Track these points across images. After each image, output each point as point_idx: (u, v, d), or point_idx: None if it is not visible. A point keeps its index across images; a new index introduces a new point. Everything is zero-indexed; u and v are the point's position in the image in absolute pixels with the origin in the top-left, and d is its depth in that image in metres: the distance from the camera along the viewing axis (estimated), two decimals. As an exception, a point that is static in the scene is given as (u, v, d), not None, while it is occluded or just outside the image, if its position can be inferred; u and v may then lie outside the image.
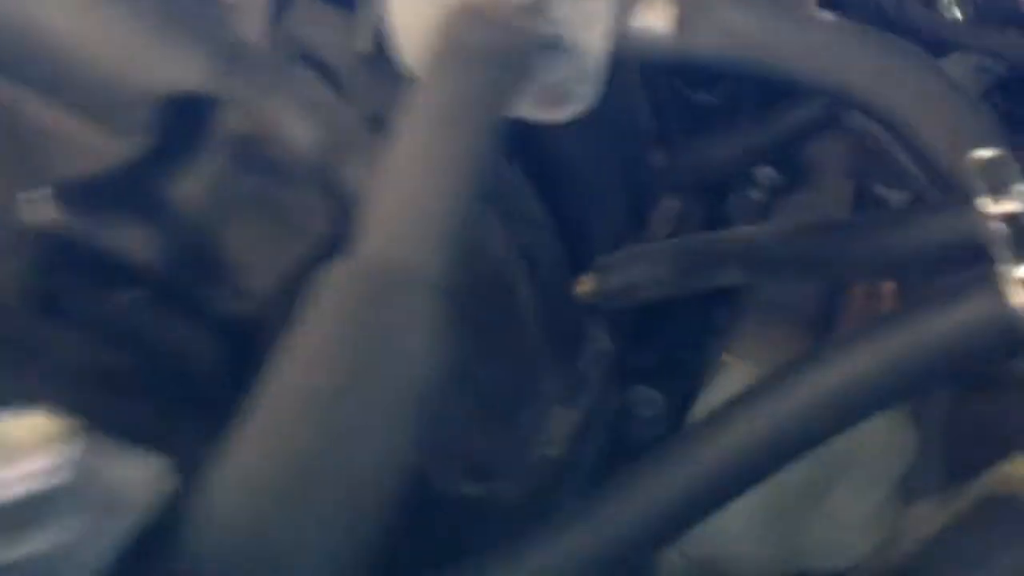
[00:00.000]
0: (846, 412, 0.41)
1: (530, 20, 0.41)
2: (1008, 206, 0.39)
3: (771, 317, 0.75)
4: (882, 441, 0.54)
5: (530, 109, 0.48)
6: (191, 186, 0.43)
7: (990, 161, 0.43)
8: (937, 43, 0.72)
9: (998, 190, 0.43)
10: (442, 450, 0.57)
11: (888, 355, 0.39)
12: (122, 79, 0.44)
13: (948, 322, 0.39)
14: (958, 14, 0.73)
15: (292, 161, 0.45)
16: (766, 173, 0.92)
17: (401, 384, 0.31)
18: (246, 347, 0.42)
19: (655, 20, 0.46)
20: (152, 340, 0.41)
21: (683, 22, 0.46)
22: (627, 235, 0.80)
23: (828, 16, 0.47)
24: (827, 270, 0.55)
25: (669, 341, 0.84)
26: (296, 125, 0.47)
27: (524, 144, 0.67)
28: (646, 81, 0.84)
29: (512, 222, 0.60)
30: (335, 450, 0.30)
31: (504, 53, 0.38)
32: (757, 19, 0.46)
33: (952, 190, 0.46)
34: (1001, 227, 0.38)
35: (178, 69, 0.45)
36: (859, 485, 0.54)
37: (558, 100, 0.47)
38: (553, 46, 0.46)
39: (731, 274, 0.61)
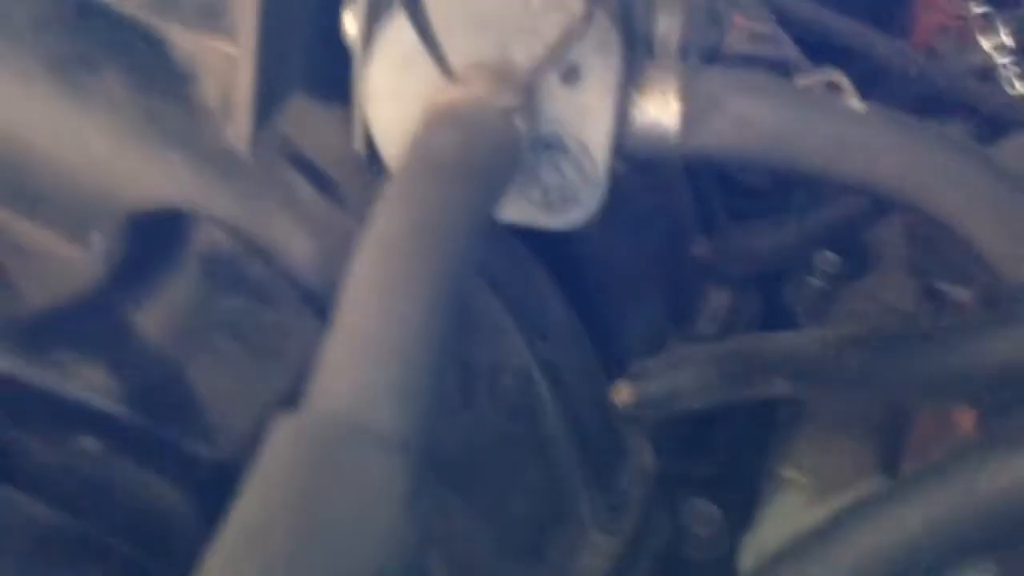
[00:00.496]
0: (919, 558, 0.35)
1: (516, 120, 0.37)
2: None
3: (833, 427, 0.68)
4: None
5: (532, 214, 0.44)
6: (160, 310, 0.40)
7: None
8: (996, 121, 0.67)
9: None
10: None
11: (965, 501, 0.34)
12: (96, 189, 0.42)
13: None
14: (1020, 88, 0.67)
15: (276, 279, 0.42)
16: (827, 259, 0.86)
17: (353, 561, 0.27)
18: (220, 498, 0.37)
19: (662, 115, 0.42)
20: (114, 494, 0.38)
21: (692, 116, 0.41)
22: (670, 335, 0.75)
23: (857, 104, 0.42)
24: (882, 390, 0.49)
25: (727, 449, 0.78)
26: (288, 236, 0.44)
27: (549, 243, 0.63)
28: (687, 165, 0.80)
29: (534, 331, 0.56)
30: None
31: (481, 158, 0.34)
32: (774, 110, 0.41)
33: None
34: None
35: (155, 180, 0.42)
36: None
37: (561, 204, 0.43)
38: (551, 146, 0.42)
39: (777, 386, 0.55)
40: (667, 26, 0.43)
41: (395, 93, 0.40)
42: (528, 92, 0.39)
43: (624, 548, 0.58)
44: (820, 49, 0.69)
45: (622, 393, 0.64)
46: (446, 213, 0.31)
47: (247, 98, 0.44)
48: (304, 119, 0.47)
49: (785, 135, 0.41)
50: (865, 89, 0.80)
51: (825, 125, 0.41)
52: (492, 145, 0.35)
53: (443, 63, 0.39)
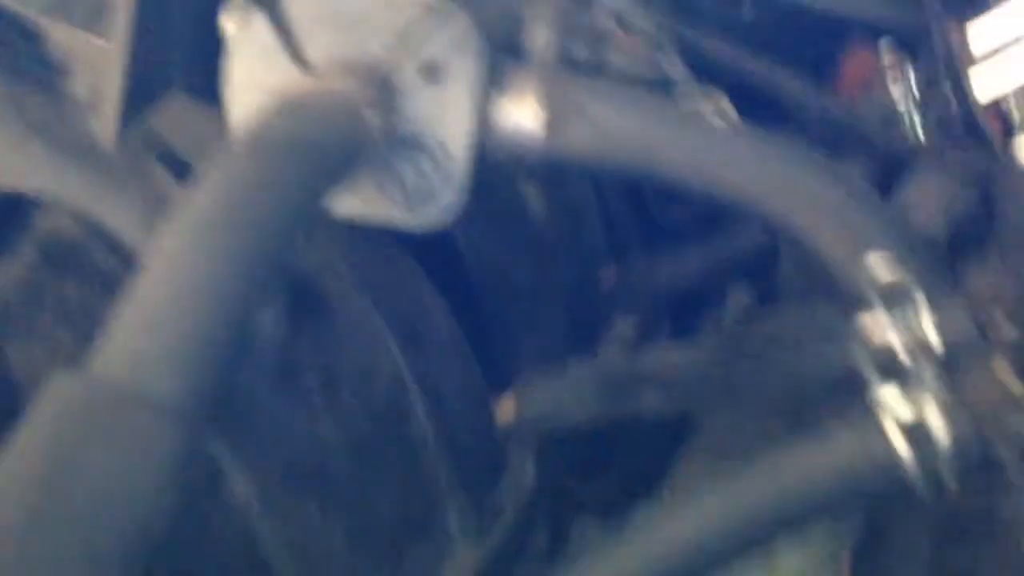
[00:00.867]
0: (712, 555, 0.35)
1: (365, 112, 0.37)
2: (876, 324, 0.34)
3: (722, 445, 0.68)
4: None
5: (392, 212, 0.44)
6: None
7: (880, 265, 0.38)
8: (894, 163, 0.68)
9: (893, 300, 0.38)
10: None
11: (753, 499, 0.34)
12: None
13: (820, 462, 0.33)
14: (921, 137, 0.69)
15: (121, 268, 0.42)
16: (738, 297, 0.87)
17: (105, 520, 0.26)
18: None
19: (524, 118, 0.42)
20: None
21: (554, 121, 0.42)
22: (570, 357, 0.75)
23: (716, 120, 0.42)
24: (738, 400, 0.50)
25: (618, 471, 0.78)
26: (142, 227, 0.44)
27: (446, 259, 0.63)
28: (604, 197, 0.80)
29: (410, 340, 0.56)
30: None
31: (315, 146, 0.34)
32: (635, 120, 0.42)
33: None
34: (868, 350, 0.33)
35: (11, 164, 0.42)
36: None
37: (421, 203, 0.43)
38: (411, 144, 0.42)
39: (649, 399, 0.55)
40: (537, 33, 0.44)
41: (253, 84, 0.40)
42: (383, 87, 0.39)
43: (490, 561, 0.57)
44: (730, 89, 0.70)
45: (505, 408, 0.64)
46: (259, 192, 0.32)
47: (116, 92, 0.44)
48: (178, 115, 0.47)
49: (644, 144, 0.41)
50: (769, 126, 0.82)
51: (683, 137, 0.42)
52: (332, 134, 0.35)
53: (298, 57, 0.39)
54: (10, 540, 0.25)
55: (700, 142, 0.42)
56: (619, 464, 0.77)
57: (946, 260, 0.73)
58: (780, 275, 0.83)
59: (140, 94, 0.45)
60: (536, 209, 0.74)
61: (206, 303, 0.29)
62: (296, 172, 0.33)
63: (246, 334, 0.31)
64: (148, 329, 0.28)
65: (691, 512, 0.36)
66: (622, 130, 0.42)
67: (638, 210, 0.84)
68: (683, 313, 0.87)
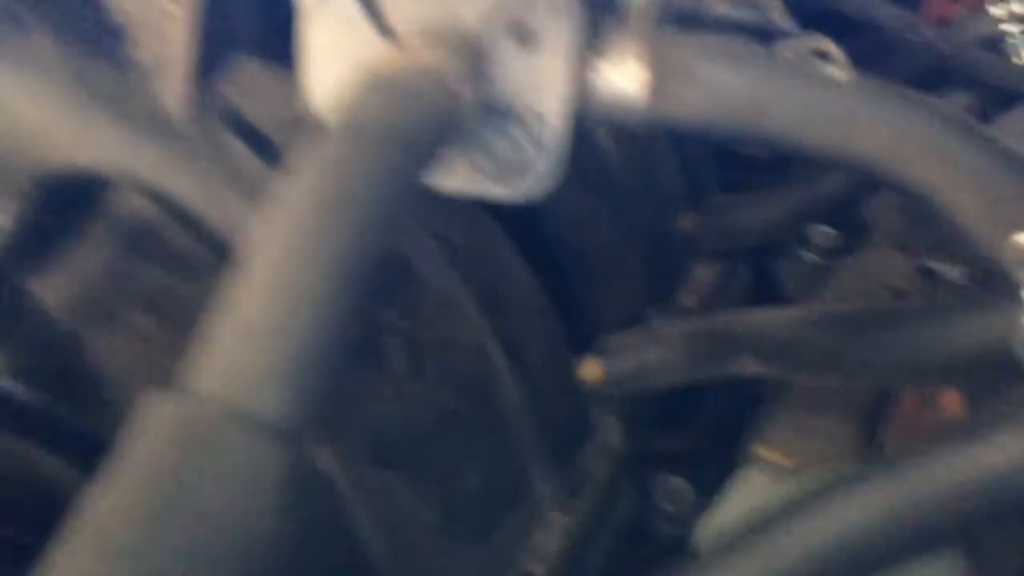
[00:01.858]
0: (877, 548, 0.32)
1: (457, 86, 0.34)
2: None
3: (812, 406, 0.66)
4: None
5: (482, 184, 0.41)
6: (69, 281, 0.37)
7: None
8: (1002, 92, 0.63)
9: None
10: (403, 565, 0.50)
11: (922, 493, 0.31)
12: (15, 150, 0.39)
13: (991, 457, 0.30)
14: (1026, 58, 0.64)
15: (201, 249, 0.39)
16: (821, 233, 0.83)
17: (214, 546, 0.24)
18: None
19: (627, 83, 0.38)
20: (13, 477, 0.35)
21: (660, 85, 0.38)
22: (650, 310, 0.72)
23: (835, 73, 0.38)
24: (852, 371, 0.47)
25: (703, 426, 0.76)
26: (222, 203, 0.41)
27: (522, 215, 0.60)
28: (681, 139, 0.76)
29: (493, 306, 0.53)
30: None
31: (410, 127, 0.31)
32: (746, 79, 0.38)
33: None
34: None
35: (79, 143, 0.39)
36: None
37: (513, 174, 0.40)
38: (504, 114, 0.39)
39: (748, 365, 0.52)
40: (635, -11, 0.40)
41: (334, 55, 0.37)
42: (474, 57, 0.36)
43: (581, 526, 0.55)
44: (823, 19, 0.66)
45: (589, 369, 0.62)
46: (361, 185, 0.29)
47: (184, 58, 0.41)
48: (250, 82, 0.44)
49: (757, 105, 0.38)
50: (869, 61, 0.77)
51: (799, 95, 0.38)
52: (425, 113, 0.32)
53: (382, 25, 0.36)
54: (119, 571, 0.23)
55: (821, 100, 0.38)
56: (701, 419, 0.75)
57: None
58: (869, 218, 0.79)
59: (208, 59, 0.42)
60: (612, 158, 0.71)
61: (310, 309, 0.27)
62: (394, 159, 0.30)
63: (349, 341, 0.29)
64: (248, 341, 0.26)
65: (842, 508, 0.33)
66: (733, 90, 0.38)
67: (717, 152, 0.81)
68: (760, 254, 0.83)
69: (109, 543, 0.24)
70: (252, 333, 0.26)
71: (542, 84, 0.38)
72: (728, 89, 0.38)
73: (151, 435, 0.26)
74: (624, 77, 0.38)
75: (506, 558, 0.53)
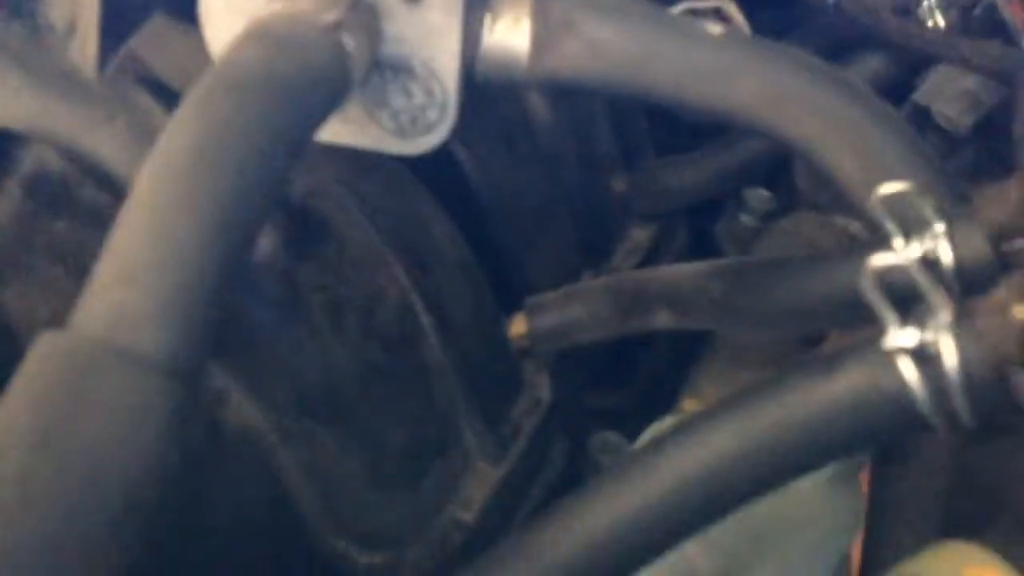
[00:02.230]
0: (704, 504, 0.34)
1: (342, 37, 0.35)
2: (886, 260, 0.32)
3: (735, 358, 0.68)
4: (818, 515, 0.47)
5: (383, 139, 0.43)
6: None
7: (900, 197, 0.36)
8: (915, 55, 0.65)
9: (910, 229, 0.36)
10: (332, 511, 0.52)
11: (751, 436, 0.33)
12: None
13: (825, 397, 0.32)
14: (940, 22, 0.65)
15: (111, 202, 0.41)
16: (758, 196, 0.85)
17: (98, 481, 0.26)
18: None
19: (512, 38, 0.40)
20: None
21: (543, 40, 0.40)
22: (584, 271, 0.74)
23: (716, 29, 0.40)
24: (744, 319, 0.49)
25: (638, 383, 0.78)
26: (132, 159, 0.43)
27: (447, 178, 0.62)
28: (613, 101, 0.78)
29: (415, 261, 0.55)
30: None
31: (291, 76, 0.33)
32: (628, 34, 0.40)
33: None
34: (876, 283, 0.32)
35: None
36: (789, 567, 0.47)
37: (412, 128, 0.42)
38: (398, 69, 0.40)
39: (661, 318, 0.54)
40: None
41: (231, 11, 0.39)
42: (367, 12, 0.38)
43: (510, 477, 0.57)
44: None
45: (516, 327, 0.64)
46: (238, 133, 0.30)
47: (94, 17, 0.42)
48: (163, 41, 0.45)
49: (636, 60, 0.39)
50: (791, 30, 0.78)
51: (679, 50, 0.39)
52: (308, 63, 0.34)
53: (274, -21, 0.37)
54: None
55: (701, 57, 0.40)
56: (635, 377, 0.77)
57: (970, 160, 0.71)
58: (796, 179, 0.81)
59: (120, 18, 0.43)
60: (542, 120, 0.72)
61: (188, 253, 0.28)
62: (274, 107, 0.31)
63: (235, 279, 0.30)
64: (128, 281, 0.28)
65: (699, 452, 0.35)
66: (614, 45, 0.40)
67: (651, 113, 0.82)
68: (699, 217, 0.85)
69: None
70: (130, 274, 0.28)
71: (433, 40, 0.39)
72: (609, 44, 0.39)
73: (37, 372, 0.27)
74: (510, 32, 0.40)
75: (435, 506, 0.55)
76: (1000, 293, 0.30)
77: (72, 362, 0.27)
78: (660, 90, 0.40)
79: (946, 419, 0.31)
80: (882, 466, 0.58)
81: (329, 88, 0.34)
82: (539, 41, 0.40)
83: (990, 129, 0.74)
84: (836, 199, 0.62)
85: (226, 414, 0.47)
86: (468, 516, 0.56)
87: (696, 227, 0.84)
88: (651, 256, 0.78)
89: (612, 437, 0.73)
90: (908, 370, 0.31)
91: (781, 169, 0.83)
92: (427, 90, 0.40)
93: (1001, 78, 0.61)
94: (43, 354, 0.27)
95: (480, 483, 0.57)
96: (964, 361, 0.30)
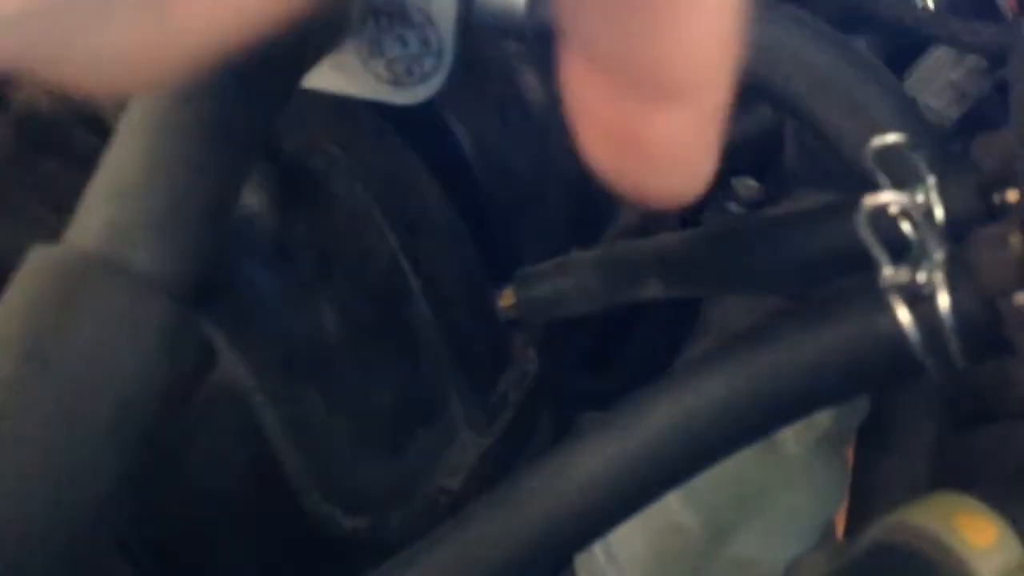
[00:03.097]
0: (703, 448, 0.34)
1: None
2: (879, 199, 0.32)
3: (720, 336, 0.68)
4: (804, 479, 0.47)
5: (377, 88, 0.43)
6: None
7: (891, 149, 0.36)
8: (908, 36, 0.66)
9: (903, 182, 0.36)
10: (318, 475, 0.52)
11: (750, 380, 0.33)
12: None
13: (819, 341, 0.32)
14: (931, 4, 0.66)
15: (102, 145, 0.40)
16: (745, 185, 0.86)
17: (88, 393, 0.26)
18: None
19: (508, -12, 0.40)
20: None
21: (538, -10, 0.40)
22: (573, 247, 0.74)
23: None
24: (732, 282, 0.49)
25: (628, 366, 0.78)
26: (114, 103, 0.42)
27: (438, 142, 0.62)
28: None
29: (404, 224, 0.55)
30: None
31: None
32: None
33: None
34: (869, 223, 0.32)
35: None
36: (773, 529, 0.47)
37: (407, 78, 0.42)
38: (394, 17, 0.40)
39: (651, 287, 0.54)
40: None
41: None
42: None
43: (496, 446, 0.57)
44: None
45: (506, 298, 0.64)
46: (222, 78, 0.30)
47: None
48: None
49: None
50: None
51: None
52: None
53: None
54: None
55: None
56: (624, 356, 0.77)
57: (958, 138, 0.71)
58: (785, 162, 0.82)
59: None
60: (534, 97, 0.72)
61: (182, 168, 0.28)
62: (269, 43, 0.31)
63: (228, 210, 0.30)
64: (121, 198, 0.27)
65: (688, 398, 0.35)
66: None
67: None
68: (693, 210, 0.86)
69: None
70: (124, 192, 0.28)
71: (432, -13, 0.39)
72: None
73: (28, 284, 0.27)
74: (507, -18, 0.40)
75: (420, 472, 0.55)
76: (994, 228, 0.30)
77: (63, 273, 0.27)
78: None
79: (939, 360, 0.31)
80: (864, 449, 0.58)
81: (325, 33, 0.34)
82: (533, -7, 0.40)
83: (976, 120, 0.74)
84: (827, 175, 0.62)
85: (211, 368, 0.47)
86: (454, 483, 0.55)
87: (684, 217, 0.85)
88: (641, 235, 0.78)
89: (599, 417, 0.73)
90: (901, 311, 0.31)
91: (769, 160, 0.83)
92: (423, 39, 0.40)
93: (990, 56, 0.61)
94: (35, 267, 0.27)
95: (466, 451, 0.57)
96: (956, 299, 0.30)
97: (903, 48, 0.73)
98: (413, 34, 0.40)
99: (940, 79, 0.72)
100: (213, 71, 0.27)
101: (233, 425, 0.49)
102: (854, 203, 0.38)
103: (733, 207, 0.87)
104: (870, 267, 0.36)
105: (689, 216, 0.85)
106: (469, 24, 0.41)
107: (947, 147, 0.80)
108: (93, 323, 0.26)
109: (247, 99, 0.30)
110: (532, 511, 0.39)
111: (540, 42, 0.41)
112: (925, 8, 0.65)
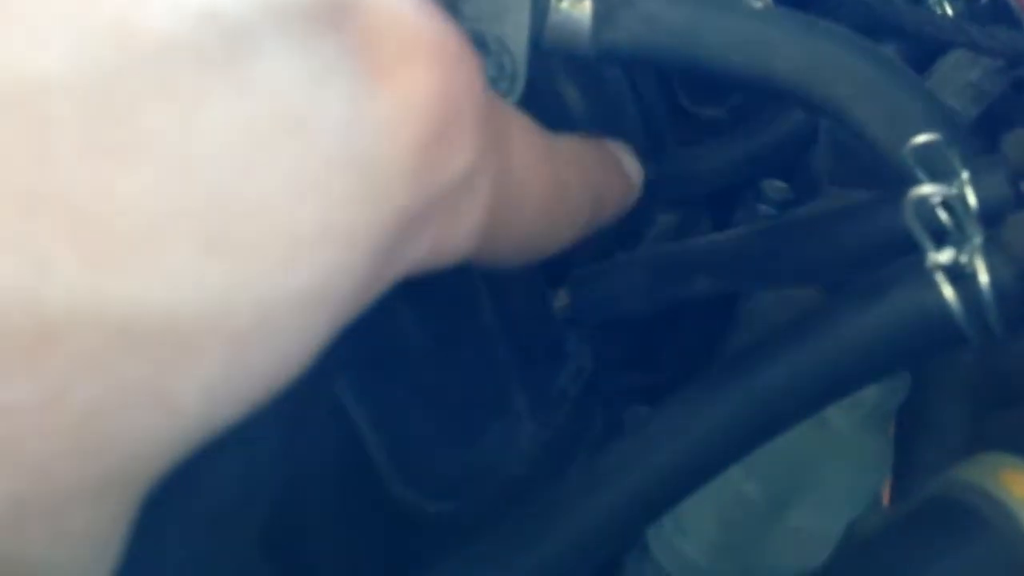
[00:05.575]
0: (766, 422, 0.39)
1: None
2: (922, 191, 0.37)
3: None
4: (852, 454, 0.51)
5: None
6: None
7: (927, 147, 0.40)
8: (927, 41, 0.70)
9: (939, 177, 0.41)
10: (403, 464, 0.56)
11: (806, 361, 0.37)
12: None
13: (870, 319, 0.36)
14: (949, 11, 0.70)
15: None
16: (774, 186, 0.90)
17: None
18: None
19: (575, 13, 0.45)
20: None
21: (603, 14, 0.44)
22: (617, 252, 0.79)
23: (757, 2, 0.45)
24: (782, 276, 0.53)
25: (674, 361, 0.82)
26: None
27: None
28: (640, 95, 0.83)
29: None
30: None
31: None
32: (680, 9, 0.44)
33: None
34: (914, 212, 0.36)
35: None
36: (825, 500, 0.51)
37: (483, 98, 0.46)
38: (472, 44, 0.45)
39: (700, 283, 0.59)
40: (584, -66, 0.46)
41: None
42: (448, -6, 0.42)
43: (557, 438, 0.62)
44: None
45: (561, 299, 0.68)
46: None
47: None
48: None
49: (687, 33, 0.44)
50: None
51: (725, 22, 0.44)
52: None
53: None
54: None
55: (745, 27, 0.44)
56: (668, 351, 0.82)
57: (978, 134, 0.75)
58: (812, 169, 0.86)
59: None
60: (577, 109, 0.77)
61: None
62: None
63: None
64: None
65: (751, 380, 0.39)
66: (667, 19, 0.45)
67: (673, 107, 0.87)
68: (721, 206, 0.90)
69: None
70: None
71: (505, 18, 0.44)
72: (663, 18, 0.44)
73: None
74: (574, 9, 0.44)
75: (492, 460, 0.59)
76: (1021, 221, 0.34)
77: None
78: (707, 59, 0.44)
79: (981, 332, 0.36)
80: (904, 427, 0.62)
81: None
82: (599, 16, 0.44)
83: (993, 119, 0.78)
84: (856, 175, 0.66)
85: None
86: (521, 470, 0.60)
87: (717, 218, 0.89)
88: (678, 240, 0.82)
89: (645, 411, 0.77)
90: (947, 288, 0.35)
91: (797, 162, 0.88)
92: (499, 64, 0.45)
93: (1008, 59, 0.65)
94: None
95: (531, 441, 0.61)
96: (994, 275, 0.34)
97: (923, 52, 0.78)
98: (490, 61, 0.45)
99: (959, 79, 0.77)
100: None
101: (326, 419, 0.53)
102: (892, 197, 0.42)
103: (763, 208, 0.92)
104: (908, 254, 0.41)
105: (721, 218, 0.90)
106: (539, 49, 0.45)
107: (977, 143, 0.84)
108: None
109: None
110: (609, 489, 0.43)
111: (606, 63, 0.45)
112: (944, 15, 0.69)
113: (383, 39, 0.23)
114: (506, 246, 0.34)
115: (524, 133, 0.35)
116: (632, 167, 0.49)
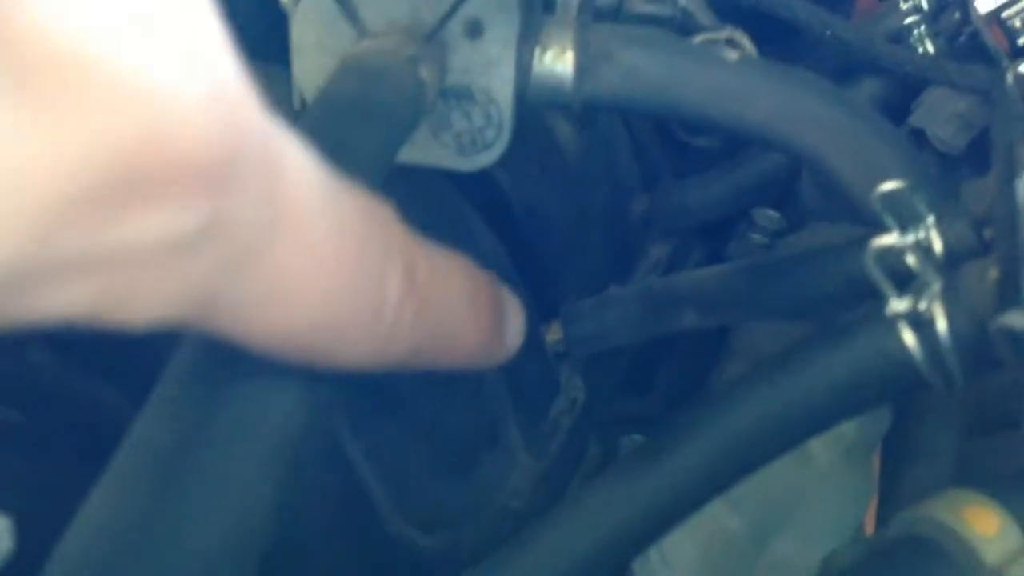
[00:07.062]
0: (742, 460, 0.40)
1: (420, 69, 0.42)
2: (883, 241, 0.38)
3: (756, 358, 0.73)
4: (835, 486, 0.53)
5: (446, 157, 0.49)
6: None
7: (894, 193, 0.42)
8: (908, 80, 0.71)
9: (906, 222, 0.42)
10: (398, 499, 0.58)
11: (768, 404, 0.39)
12: None
13: (837, 363, 0.38)
14: (931, 48, 0.72)
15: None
16: (766, 216, 0.91)
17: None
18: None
19: (558, 66, 0.47)
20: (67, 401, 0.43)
21: (585, 67, 0.46)
22: (610, 284, 0.80)
23: (732, 54, 0.47)
24: (764, 310, 0.54)
25: (665, 392, 0.84)
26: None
27: (494, 199, 0.68)
28: (632, 126, 0.85)
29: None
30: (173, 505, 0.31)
31: (380, 102, 0.39)
32: (658, 61, 0.46)
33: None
34: (876, 261, 0.38)
35: None
36: (808, 532, 0.52)
37: (472, 147, 0.48)
38: (460, 96, 0.47)
39: (687, 317, 0.60)
40: (566, -11, 0.48)
41: (318, 50, 0.45)
42: (432, 43, 0.44)
43: (552, 470, 0.63)
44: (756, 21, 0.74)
45: (554, 333, 0.70)
46: (340, 153, 0.36)
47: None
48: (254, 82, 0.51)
49: (665, 84, 0.46)
50: (799, 58, 0.85)
51: (702, 74, 0.46)
52: (396, 91, 0.40)
53: (356, 21, 0.44)
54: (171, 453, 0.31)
55: (720, 79, 0.46)
56: (660, 382, 0.83)
57: (958, 176, 0.77)
58: (802, 198, 0.88)
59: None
60: (570, 148, 0.79)
61: None
62: (372, 130, 0.38)
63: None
64: None
65: (727, 417, 0.41)
66: (646, 71, 0.46)
67: (665, 141, 0.89)
68: (714, 238, 0.92)
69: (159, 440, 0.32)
70: None
71: (491, 70, 0.45)
72: (642, 70, 0.46)
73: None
74: (557, 61, 0.46)
75: (486, 493, 0.60)
76: (979, 262, 0.36)
77: None
78: (686, 109, 0.46)
79: (942, 378, 0.37)
80: (890, 457, 0.64)
81: (411, 113, 0.41)
82: (581, 68, 0.46)
83: (981, 148, 0.80)
84: (840, 210, 0.68)
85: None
86: (516, 502, 0.61)
87: (709, 248, 0.91)
88: (670, 271, 0.84)
89: (640, 439, 0.79)
90: (907, 335, 0.37)
91: (787, 192, 0.89)
92: (485, 113, 0.47)
93: (985, 95, 0.67)
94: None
95: (526, 475, 0.63)
96: (952, 323, 0.36)
97: (906, 87, 0.79)
98: (477, 110, 0.46)
99: (946, 110, 0.78)
100: None
101: (324, 456, 0.55)
102: (865, 239, 0.44)
103: (756, 237, 0.94)
104: (877, 296, 0.42)
105: (714, 248, 0.92)
106: (524, 100, 0.47)
107: (957, 172, 0.86)
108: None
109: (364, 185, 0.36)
110: (595, 523, 0.44)
111: (587, 111, 0.47)
112: (924, 54, 0.71)
113: (47, 72, 0.20)
114: (266, 333, 0.30)
115: (324, 210, 0.31)
116: (513, 327, 0.45)
